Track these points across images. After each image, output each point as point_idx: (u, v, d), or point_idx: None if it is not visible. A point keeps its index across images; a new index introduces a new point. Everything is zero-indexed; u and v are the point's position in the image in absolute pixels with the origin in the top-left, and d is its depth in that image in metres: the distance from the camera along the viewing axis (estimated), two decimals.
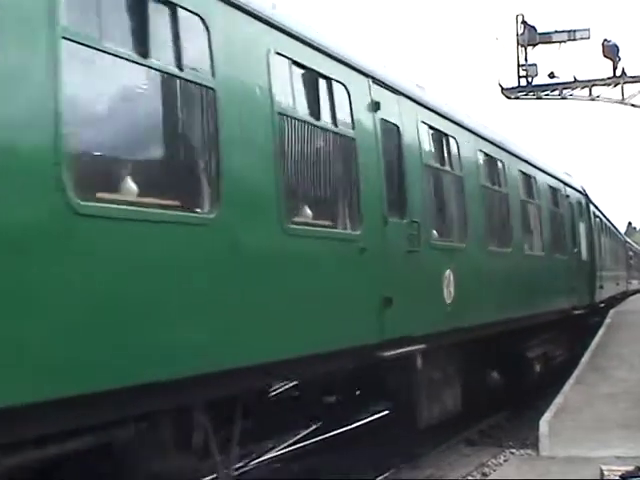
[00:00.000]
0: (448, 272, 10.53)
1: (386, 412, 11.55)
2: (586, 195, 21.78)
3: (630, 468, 8.46)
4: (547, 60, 28.96)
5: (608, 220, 30.08)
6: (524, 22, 27.79)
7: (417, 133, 10.07)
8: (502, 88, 28.13)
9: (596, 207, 24.38)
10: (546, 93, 27.99)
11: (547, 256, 15.98)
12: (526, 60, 27.64)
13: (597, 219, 24.42)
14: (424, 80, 11.60)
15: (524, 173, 15.09)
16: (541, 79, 27.84)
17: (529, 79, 27.81)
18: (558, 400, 13.16)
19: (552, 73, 27.54)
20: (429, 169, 10.39)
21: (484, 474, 10.57)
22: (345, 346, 7.97)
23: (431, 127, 10.62)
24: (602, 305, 23.90)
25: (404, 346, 9.14)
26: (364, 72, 8.79)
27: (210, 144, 6.11)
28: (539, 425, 11.50)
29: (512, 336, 14.10)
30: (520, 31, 27.64)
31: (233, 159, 6.28)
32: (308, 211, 7.59)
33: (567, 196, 18.62)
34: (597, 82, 27.34)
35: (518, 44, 27.67)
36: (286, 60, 7.29)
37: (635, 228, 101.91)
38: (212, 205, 6.07)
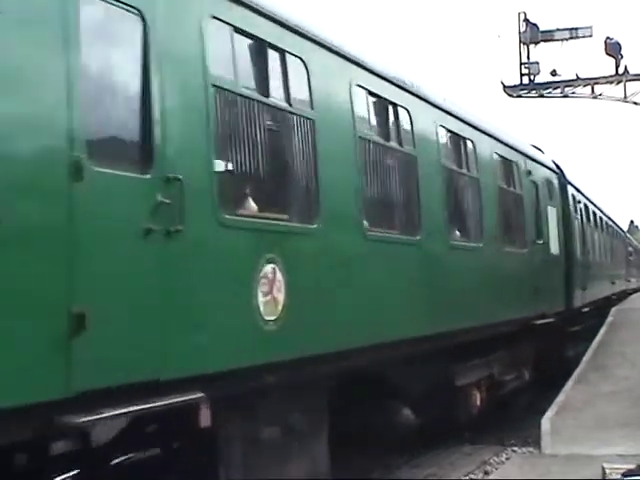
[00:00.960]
0: (269, 269, 6.42)
1: None
2: (560, 173, 17.35)
3: (632, 466, 8.35)
4: (549, 58, 27.96)
5: (599, 209, 25.51)
6: (526, 20, 27.21)
7: (199, 33, 5.95)
8: (504, 86, 27.52)
9: (579, 190, 19.88)
10: (548, 91, 27.46)
11: (490, 247, 11.71)
12: (528, 58, 27.20)
13: (580, 205, 19.98)
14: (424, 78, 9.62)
15: (452, 132, 10.88)
16: (543, 77, 27.42)
17: (531, 77, 27.28)
18: (560, 398, 12.96)
19: (554, 71, 26.99)
20: (230, 97, 6.23)
21: (486, 472, 10.36)
22: None
23: (244, 32, 6.49)
24: (586, 310, 19.54)
25: (143, 399, 5.09)
26: None
27: None
28: (541, 423, 11.37)
29: (433, 360, 10.10)
30: (522, 29, 27.11)
31: None
32: None
33: (529, 172, 14.34)
34: (599, 80, 26.80)
35: (520, 42, 27.16)
36: None
37: (637, 227, 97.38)
38: None
